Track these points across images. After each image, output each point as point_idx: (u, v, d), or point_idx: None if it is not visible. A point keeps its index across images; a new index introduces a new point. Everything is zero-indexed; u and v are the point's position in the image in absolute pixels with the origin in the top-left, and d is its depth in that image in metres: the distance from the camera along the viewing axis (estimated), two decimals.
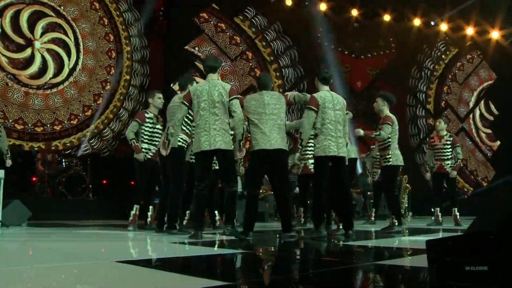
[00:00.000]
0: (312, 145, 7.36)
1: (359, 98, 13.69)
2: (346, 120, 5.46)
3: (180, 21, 11.78)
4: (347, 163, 5.52)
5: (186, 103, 5.13)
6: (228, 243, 4.73)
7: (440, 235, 6.07)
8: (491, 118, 14.78)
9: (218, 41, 12.33)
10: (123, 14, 11.31)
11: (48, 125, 9.91)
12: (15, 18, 9.95)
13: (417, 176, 12.83)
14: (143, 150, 6.11)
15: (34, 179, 9.34)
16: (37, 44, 10.07)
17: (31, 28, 10.08)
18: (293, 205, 7.68)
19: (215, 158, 5.13)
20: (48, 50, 10.23)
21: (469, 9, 12.68)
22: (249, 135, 5.31)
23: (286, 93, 5.62)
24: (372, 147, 8.65)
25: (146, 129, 6.17)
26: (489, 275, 1.81)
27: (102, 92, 10.77)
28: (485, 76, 14.90)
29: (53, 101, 10.11)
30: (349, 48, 14.13)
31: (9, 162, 6.65)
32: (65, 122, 10.18)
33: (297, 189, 8.31)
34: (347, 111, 5.51)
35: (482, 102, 14.86)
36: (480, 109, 14.90)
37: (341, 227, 5.68)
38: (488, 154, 14.63)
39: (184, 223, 6.24)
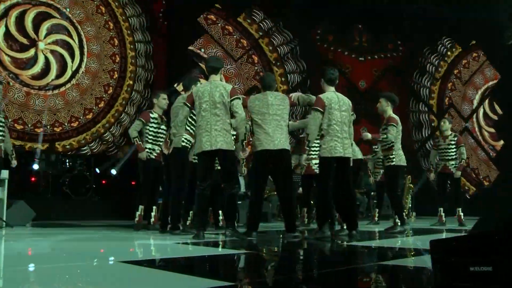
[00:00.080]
0: (316, 145, 7.36)
1: (362, 98, 13.67)
2: (352, 121, 5.46)
3: (183, 21, 11.77)
4: (351, 164, 5.52)
5: (188, 104, 5.17)
6: (231, 243, 4.73)
7: (444, 235, 6.06)
8: (495, 117, 14.72)
9: (225, 43, 12.33)
10: (129, 19, 11.31)
11: (48, 126, 9.89)
12: (20, 18, 9.95)
13: (420, 176, 12.81)
14: (147, 150, 6.12)
15: (33, 179, 9.35)
16: (41, 45, 10.08)
17: (36, 28, 10.09)
18: (297, 205, 7.67)
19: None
20: (52, 51, 10.24)
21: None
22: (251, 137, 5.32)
23: (290, 94, 5.62)
24: (374, 147, 8.63)
25: (151, 129, 6.18)
26: (493, 275, 1.81)
27: (104, 96, 10.76)
28: (491, 75, 14.84)
29: (54, 103, 10.10)
30: (350, 48, 14.09)
31: (14, 163, 6.67)
32: (66, 124, 10.16)
33: (300, 189, 8.29)
34: (352, 112, 5.51)
35: (487, 101, 14.80)
36: (484, 108, 14.84)
37: (345, 227, 5.67)
38: (491, 154, 14.57)
39: (187, 223, 6.25)
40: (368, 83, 13.98)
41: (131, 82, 11.15)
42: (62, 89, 10.27)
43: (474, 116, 14.79)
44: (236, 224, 5.30)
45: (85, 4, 10.80)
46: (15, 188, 7.65)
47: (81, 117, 10.39)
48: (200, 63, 11.49)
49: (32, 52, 10.00)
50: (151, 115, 6.20)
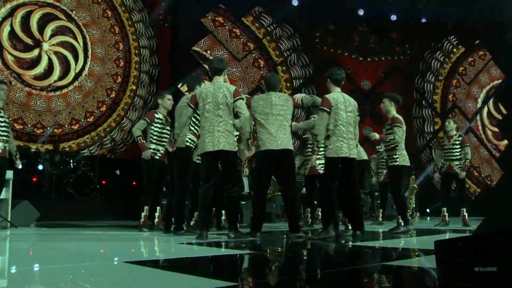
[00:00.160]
0: (320, 146, 7.34)
1: (366, 99, 13.64)
2: (357, 122, 5.46)
3: (188, 21, 11.77)
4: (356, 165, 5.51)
5: (192, 105, 5.18)
6: (234, 244, 4.73)
7: (447, 235, 6.04)
8: (499, 116, 14.67)
9: (231, 46, 12.32)
10: (135, 24, 11.31)
11: (48, 128, 9.88)
12: (26, 19, 9.98)
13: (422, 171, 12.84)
14: (152, 150, 6.13)
15: (34, 179, 9.37)
16: (45, 46, 10.11)
17: (41, 29, 10.11)
18: (300, 205, 7.67)
19: None
20: (56, 53, 10.26)
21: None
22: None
23: (294, 95, 5.63)
24: (377, 147, 8.62)
25: (155, 129, 6.19)
26: (498, 276, 1.80)
27: (106, 99, 10.74)
28: (496, 74, 14.78)
29: (55, 104, 10.09)
30: (350, 49, 14.05)
31: (18, 163, 6.69)
32: (66, 126, 10.14)
33: (304, 189, 8.29)
34: (358, 113, 5.51)
35: (491, 100, 14.74)
36: (488, 107, 14.77)
37: (350, 227, 5.66)
38: (494, 153, 14.51)
39: (191, 224, 6.26)
40: (372, 84, 13.96)
41: (134, 87, 11.13)
42: (64, 90, 10.27)
43: (478, 114, 14.74)
44: (238, 225, 5.32)
45: (92, 7, 10.81)
46: (19, 188, 7.67)
47: (82, 120, 10.36)
48: (204, 64, 11.49)
49: (36, 52, 10.02)
50: (156, 115, 6.21)
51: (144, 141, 6.11)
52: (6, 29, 9.71)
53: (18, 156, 6.70)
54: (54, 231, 6.34)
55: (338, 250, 4.49)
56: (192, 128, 5.75)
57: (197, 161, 6.12)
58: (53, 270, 2.89)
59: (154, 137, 6.19)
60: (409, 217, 7.01)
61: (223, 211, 6.87)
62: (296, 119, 11.37)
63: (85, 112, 10.44)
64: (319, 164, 7.35)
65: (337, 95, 5.29)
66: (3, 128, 6.31)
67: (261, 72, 12.48)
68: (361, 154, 6.90)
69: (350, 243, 4.84)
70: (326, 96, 5.27)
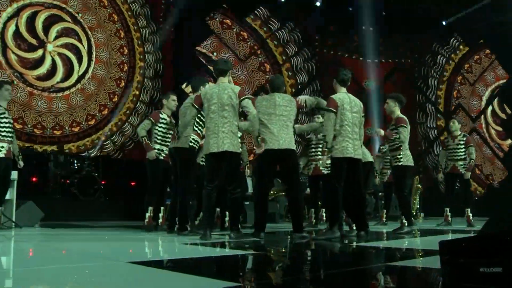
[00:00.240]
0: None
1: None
2: (362, 122, 5.46)
3: (192, 21, 11.76)
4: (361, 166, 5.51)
5: (196, 106, 5.20)
6: (238, 244, 4.73)
7: (450, 236, 6.03)
8: (504, 116, 14.61)
9: (238, 49, 12.31)
10: (141, 30, 11.31)
11: (49, 129, 9.88)
12: (31, 19, 10.00)
13: (428, 177, 12.77)
14: (156, 151, 6.13)
15: (38, 179, 9.39)
16: (49, 47, 10.12)
17: (46, 30, 10.12)
18: (304, 206, 7.65)
19: None
20: (60, 54, 10.26)
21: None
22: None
23: (298, 97, 5.63)
24: (381, 147, 8.61)
25: (160, 129, 6.19)
26: (503, 276, 1.80)
27: (108, 103, 10.72)
28: (503, 73, 14.72)
29: (57, 105, 10.08)
30: (349, 50, 14.01)
31: (21, 164, 6.71)
32: (66, 128, 10.13)
33: (308, 190, 8.28)
34: (363, 114, 5.51)
35: (496, 99, 14.68)
36: (493, 106, 14.70)
37: (354, 227, 5.66)
38: (497, 152, 14.45)
39: (195, 224, 6.26)
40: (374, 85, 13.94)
41: (137, 92, 11.11)
42: (66, 92, 10.25)
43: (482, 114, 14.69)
44: (240, 226, 5.32)
45: (98, 11, 10.81)
46: (23, 188, 7.69)
47: (83, 123, 10.33)
48: (209, 66, 11.49)
49: (39, 53, 10.03)
50: (160, 115, 6.22)
51: (149, 142, 6.12)
52: (11, 28, 9.73)
53: (21, 156, 6.73)
54: (58, 232, 6.35)
55: (342, 251, 4.49)
56: (196, 129, 5.77)
57: (201, 163, 6.13)
58: (57, 270, 2.89)
59: (159, 138, 6.19)
60: (413, 218, 6.99)
61: (227, 212, 6.88)
62: (300, 123, 11.37)
63: (86, 114, 10.42)
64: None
65: (342, 95, 5.30)
66: (8, 129, 6.33)
67: (267, 76, 12.46)
68: (366, 156, 6.90)
69: (354, 243, 4.84)
70: (332, 96, 5.28)
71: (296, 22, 13.21)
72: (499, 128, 14.60)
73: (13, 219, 6.62)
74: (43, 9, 10.15)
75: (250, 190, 8.96)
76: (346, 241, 4.99)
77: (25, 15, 9.91)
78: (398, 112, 6.28)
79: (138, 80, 11.13)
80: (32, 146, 9.57)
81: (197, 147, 5.88)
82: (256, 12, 12.73)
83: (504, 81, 14.67)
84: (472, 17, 12.63)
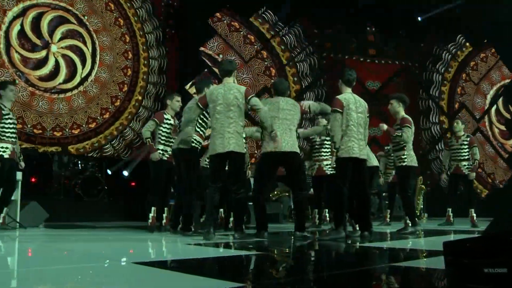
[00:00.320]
0: (327, 147, 7.32)
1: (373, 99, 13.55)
2: (367, 123, 5.45)
3: (195, 22, 11.75)
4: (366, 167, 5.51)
5: (201, 106, 5.21)
6: (241, 244, 4.73)
7: (454, 236, 6.01)
8: (508, 116, 14.55)
9: (244, 52, 12.30)
10: (146, 35, 11.31)
11: (49, 130, 9.86)
12: (37, 19, 9.99)
13: (432, 177, 12.73)
14: (160, 151, 6.14)
15: (45, 180, 9.39)
16: (53, 48, 10.13)
17: (51, 31, 10.13)
18: (308, 206, 7.65)
19: None
20: (63, 56, 10.25)
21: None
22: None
23: (302, 102, 5.65)
24: (386, 148, 8.59)
25: (164, 130, 6.20)
26: (508, 277, 1.79)
27: (110, 107, 10.69)
28: (508, 72, 14.66)
29: (58, 107, 10.06)
30: (349, 51, 13.96)
31: (22, 164, 6.73)
32: (66, 130, 10.09)
33: (312, 190, 8.28)
34: (368, 115, 5.51)
35: (501, 99, 14.60)
36: (497, 105, 14.62)
37: (357, 228, 5.66)
38: (500, 151, 14.38)
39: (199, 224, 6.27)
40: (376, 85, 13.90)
41: (140, 98, 11.07)
42: (68, 94, 10.22)
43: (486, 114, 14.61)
44: (243, 227, 5.33)
45: (104, 14, 10.81)
46: (27, 189, 7.71)
47: (84, 125, 10.30)
48: (213, 68, 11.47)
49: (43, 53, 10.03)
50: (164, 115, 6.23)
51: (153, 143, 6.13)
52: (16, 27, 9.73)
53: (22, 157, 6.75)
54: (62, 232, 6.37)
55: (346, 251, 4.48)
56: (198, 130, 5.76)
57: (205, 166, 6.14)
58: (60, 270, 2.90)
59: (162, 138, 6.20)
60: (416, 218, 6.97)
61: (232, 212, 6.88)
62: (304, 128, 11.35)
63: (87, 117, 10.38)
64: (326, 165, 7.36)
65: (348, 95, 5.30)
66: (12, 130, 6.35)
67: (272, 80, 12.44)
68: (371, 159, 6.89)
69: (358, 244, 4.83)
70: (338, 97, 5.29)
71: (302, 24, 13.17)
72: (503, 127, 14.53)
73: (18, 220, 6.65)
74: (49, 10, 10.15)
75: None
76: (350, 242, 4.99)
77: (31, 15, 9.92)
78: (402, 113, 6.27)
79: (141, 85, 11.11)
80: (36, 147, 9.57)
81: (199, 148, 5.89)
82: (263, 15, 12.72)
83: (509, 80, 14.61)
84: (472, 16, 12.59)
